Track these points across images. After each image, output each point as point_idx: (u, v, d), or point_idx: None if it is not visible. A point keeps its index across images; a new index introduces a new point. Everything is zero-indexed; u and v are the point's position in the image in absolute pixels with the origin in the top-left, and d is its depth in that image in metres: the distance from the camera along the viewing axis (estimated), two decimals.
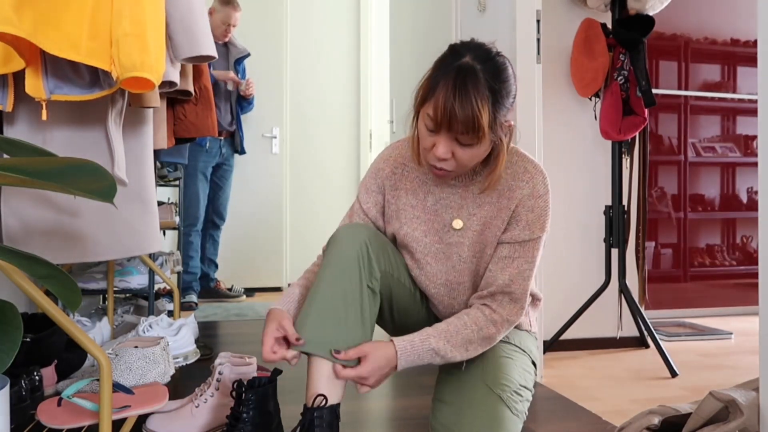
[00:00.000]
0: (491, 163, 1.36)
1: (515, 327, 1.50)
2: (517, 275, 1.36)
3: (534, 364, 1.50)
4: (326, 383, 1.29)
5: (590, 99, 2.62)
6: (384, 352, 1.30)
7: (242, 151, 4.07)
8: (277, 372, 1.51)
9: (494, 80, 1.26)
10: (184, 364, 1.85)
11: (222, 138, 3.91)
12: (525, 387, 1.41)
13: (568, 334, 2.58)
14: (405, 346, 1.31)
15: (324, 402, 1.28)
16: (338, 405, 1.31)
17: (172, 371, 1.59)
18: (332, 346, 1.29)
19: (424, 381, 2.07)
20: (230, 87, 3.87)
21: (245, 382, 1.45)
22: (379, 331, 1.49)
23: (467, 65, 1.25)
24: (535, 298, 1.56)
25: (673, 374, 2.23)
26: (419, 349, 1.31)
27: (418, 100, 1.31)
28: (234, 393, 1.45)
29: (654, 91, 2.41)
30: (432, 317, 1.54)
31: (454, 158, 1.28)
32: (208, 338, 2.79)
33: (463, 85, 1.23)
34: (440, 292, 1.46)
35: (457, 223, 1.41)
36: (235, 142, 4.01)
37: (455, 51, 1.29)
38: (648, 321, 2.47)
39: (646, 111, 2.42)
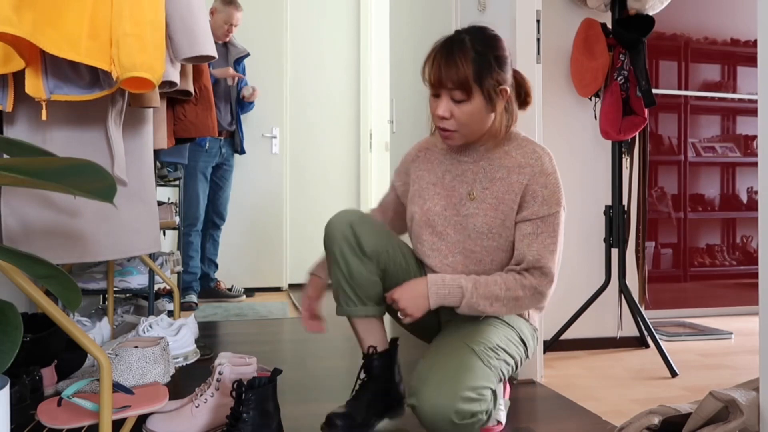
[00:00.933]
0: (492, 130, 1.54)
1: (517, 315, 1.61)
2: (543, 249, 1.48)
3: (524, 342, 1.57)
4: (370, 335, 1.63)
5: (590, 99, 2.62)
6: (416, 281, 1.49)
7: (242, 151, 4.07)
8: (277, 372, 1.52)
9: (479, 45, 1.47)
10: (184, 364, 1.85)
11: (222, 138, 3.91)
12: (503, 349, 1.49)
13: (568, 334, 2.58)
14: (436, 278, 1.47)
15: (373, 350, 1.62)
16: (390, 347, 1.65)
17: (172, 371, 1.59)
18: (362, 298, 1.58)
19: None
20: (230, 82, 3.86)
21: (245, 382, 1.45)
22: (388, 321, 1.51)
23: (457, 36, 1.50)
24: None
25: (673, 374, 2.23)
26: (449, 283, 1.46)
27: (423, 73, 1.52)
28: (234, 393, 1.45)
29: (654, 91, 2.41)
30: None
31: (453, 118, 1.47)
32: (208, 338, 2.79)
33: (450, 47, 1.47)
34: (457, 260, 1.57)
35: (471, 196, 1.57)
36: (235, 142, 4.01)
37: (455, 32, 1.53)
38: (648, 321, 2.47)
39: (646, 111, 2.42)
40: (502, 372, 1.48)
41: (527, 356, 1.60)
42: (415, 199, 1.65)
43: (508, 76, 1.52)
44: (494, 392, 1.44)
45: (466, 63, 1.44)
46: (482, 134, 1.54)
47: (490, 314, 1.48)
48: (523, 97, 1.61)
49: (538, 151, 1.54)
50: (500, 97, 1.50)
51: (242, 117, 4.08)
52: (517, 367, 1.56)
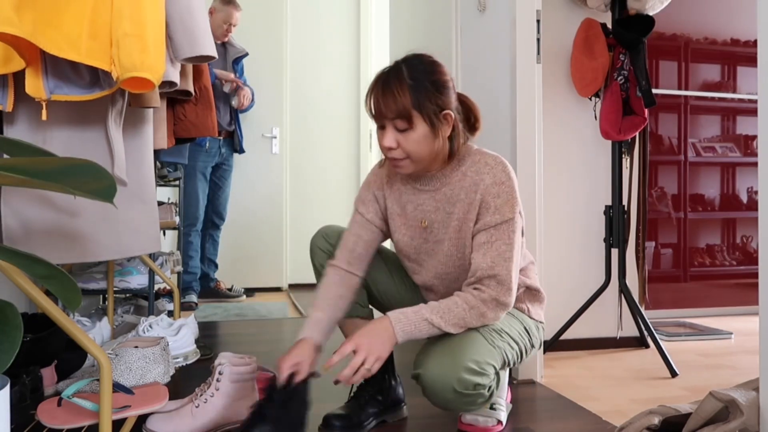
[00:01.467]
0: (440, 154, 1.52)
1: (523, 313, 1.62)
2: (497, 257, 1.46)
3: (527, 331, 1.59)
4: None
5: (590, 99, 2.62)
6: (375, 322, 1.44)
7: (241, 150, 4.05)
8: (314, 375, 1.50)
9: (416, 72, 1.46)
10: (184, 364, 1.85)
11: (221, 138, 3.91)
12: (506, 332, 1.52)
13: (568, 334, 2.58)
14: (398, 315, 1.43)
15: None
16: None
17: (172, 371, 1.59)
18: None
19: None
20: (226, 89, 3.83)
21: (278, 381, 1.44)
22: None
23: (394, 66, 1.51)
24: (532, 290, 1.66)
25: (673, 374, 2.23)
26: (412, 318, 1.42)
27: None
28: (265, 389, 1.45)
29: (654, 91, 2.41)
30: (418, 296, 1.69)
31: (400, 147, 1.46)
32: (208, 338, 2.79)
33: (386, 78, 1.48)
34: (435, 284, 1.63)
35: (434, 224, 1.57)
36: (234, 142, 4.00)
37: (393, 62, 1.53)
38: (648, 321, 2.47)
39: (646, 111, 2.42)
40: (506, 354, 1.50)
41: (533, 345, 1.61)
42: (391, 227, 1.65)
43: (451, 99, 1.50)
44: (498, 373, 1.47)
45: (403, 91, 1.43)
46: (432, 160, 1.51)
47: (453, 332, 1.45)
48: (472, 122, 1.58)
49: (490, 162, 1.52)
50: (444, 122, 1.47)
51: (242, 117, 4.08)
52: (522, 355, 1.58)
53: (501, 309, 1.46)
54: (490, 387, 1.45)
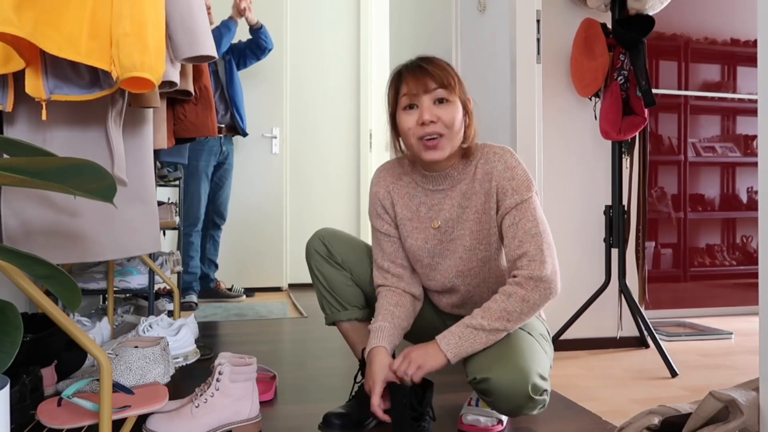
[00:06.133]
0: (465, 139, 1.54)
1: None
2: (524, 235, 1.46)
3: (546, 337, 1.62)
4: (361, 340, 1.68)
5: (590, 99, 2.62)
6: (424, 347, 1.45)
7: (244, 134, 4.01)
8: (428, 383, 1.52)
9: (443, 63, 1.53)
10: (184, 364, 1.85)
11: (222, 136, 3.91)
12: (544, 338, 1.56)
13: (568, 334, 2.58)
14: (442, 334, 1.44)
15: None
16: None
17: (172, 371, 1.59)
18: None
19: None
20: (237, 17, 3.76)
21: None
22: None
23: (417, 58, 1.55)
24: None
25: (673, 374, 2.23)
26: (455, 330, 1.43)
27: (391, 103, 1.54)
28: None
29: (654, 91, 2.41)
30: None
31: (441, 120, 1.46)
32: (208, 338, 2.79)
33: (419, 63, 1.51)
34: (456, 283, 1.60)
35: (449, 222, 1.57)
36: (236, 128, 3.96)
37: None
38: (648, 321, 2.46)
39: (646, 111, 2.42)
40: (550, 360, 1.55)
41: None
42: (402, 234, 1.65)
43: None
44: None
45: (443, 66, 1.50)
46: (456, 151, 1.53)
47: (514, 327, 1.45)
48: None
49: (498, 152, 1.55)
50: (470, 109, 1.54)
51: (243, 114, 4.03)
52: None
53: (541, 286, 1.43)
54: (549, 393, 1.46)
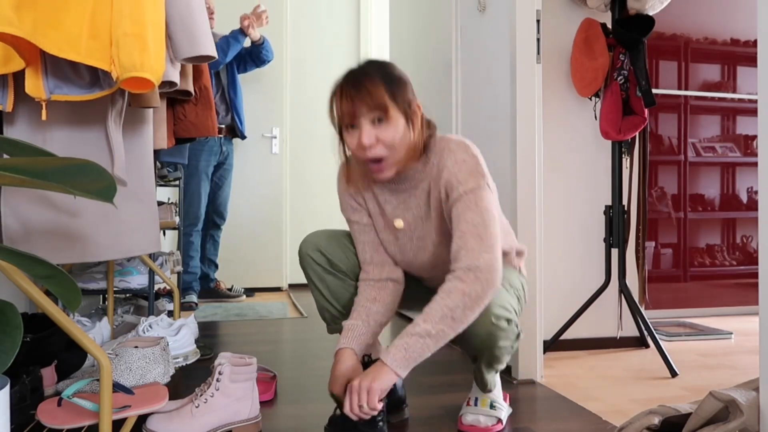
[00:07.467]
0: (414, 143, 1.51)
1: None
2: (465, 226, 1.45)
3: (522, 287, 1.69)
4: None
5: (590, 99, 2.62)
6: (369, 371, 1.43)
7: (243, 137, 4.04)
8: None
9: (380, 69, 1.50)
10: (184, 364, 1.85)
11: (222, 136, 3.91)
12: (508, 281, 1.62)
13: (568, 334, 2.58)
14: (386, 350, 1.43)
15: (368, 359, 1.59)
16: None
17: (172, 371, 1.59)
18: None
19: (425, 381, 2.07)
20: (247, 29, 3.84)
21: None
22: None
23: (354, 68, 1.53)
24: (519, 251, 1.74)
25: (673, 374, 2.23)
26: (398, 343, 1.41)
27: (336, 121, 1.56)
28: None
29: (654, 91, 2.41)
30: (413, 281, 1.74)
31: (380, 142, 1.45)
32: (208, 338, 2.79)
33: (354, 77, 1.50)
34: (434, 274, 1.63)
35: (416, 220, 1.58)
36: (235, 130, 3.98)
37: (349, 70, 1.55)
38: (648, 321, 2.46)
39: (646, 111, 2.42)
40: (519, 295, 1.63)
41: (525, 300, 1.71)
42: (377, 227, 1.66)
43: (414, 93, 1.54)
44: (517, 315, 1.56)
45: (376, 84, 1.45)
46: (410, 157, 1.51)
47: (461, 325, 1.41)
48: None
49: (452, 147, 1.51)
50: (416, 113, 1.51)
51: (243, 118, 4.05)
52: (523, 300, 1.68)
53: (481, 277, 1.40)
54: (517, 324, 1.53)
